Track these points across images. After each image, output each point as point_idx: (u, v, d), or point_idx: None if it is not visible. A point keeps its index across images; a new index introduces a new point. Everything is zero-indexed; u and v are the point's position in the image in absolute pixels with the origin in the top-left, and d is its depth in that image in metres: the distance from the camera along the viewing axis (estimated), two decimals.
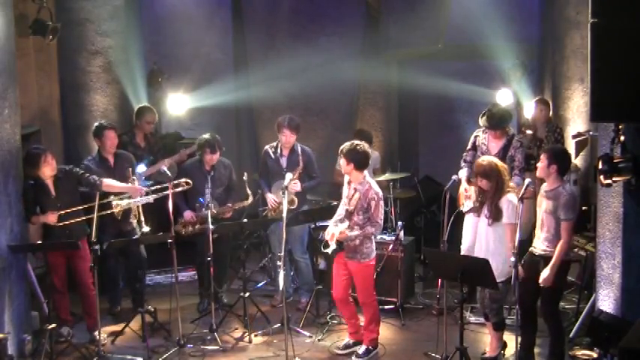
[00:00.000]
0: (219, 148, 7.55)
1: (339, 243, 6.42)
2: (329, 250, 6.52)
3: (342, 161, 6.44)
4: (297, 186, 7.46)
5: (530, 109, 9.22)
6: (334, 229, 6.46)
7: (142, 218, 7.18)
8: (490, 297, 6.19)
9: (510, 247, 5.87)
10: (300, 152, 7.56)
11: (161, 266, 8.38)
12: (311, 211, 7.63)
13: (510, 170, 6.74)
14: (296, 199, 7.52)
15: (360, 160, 6.36)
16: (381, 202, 6.42)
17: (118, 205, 7.06)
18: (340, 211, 6.65)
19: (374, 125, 10.24)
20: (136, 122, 8.40)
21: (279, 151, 7.73)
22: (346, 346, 6.73)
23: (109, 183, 7.03)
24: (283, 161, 7.69)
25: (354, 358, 6.57)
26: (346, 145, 6.40)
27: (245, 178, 7.56)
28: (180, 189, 7.18)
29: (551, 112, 8.60)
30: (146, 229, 7.13)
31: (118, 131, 7.75)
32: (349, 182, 6.54)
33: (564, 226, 5.89)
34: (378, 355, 6.64)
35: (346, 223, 6.44)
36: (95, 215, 6.47)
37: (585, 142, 8.12)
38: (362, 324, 6.76)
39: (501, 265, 6.01)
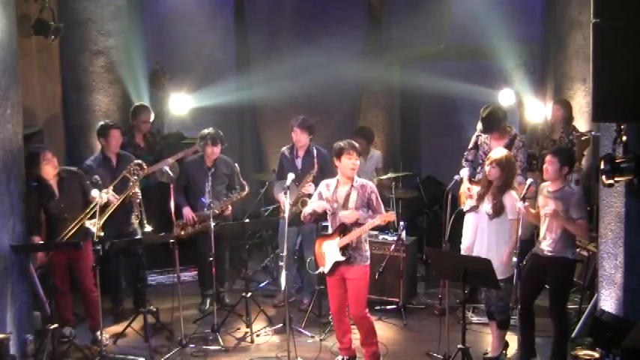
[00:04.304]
0: (221, 142, 7.58)
1: (344, 252, 6.14)
2: (324, 270, 6.31)
3: (352, 160, 6.09)
4: (310, 188, 7.39)
5: (533, 109, 9.25)
6: (338, 242, 6.17)
7: (144, 217, 7.17)
8: (497, 295, 6.19)
9: (512, 243, 5.90)
10: (315, 154, 7.50)
11: (163, 266, 8.39)
12: None
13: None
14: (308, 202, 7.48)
15: (359, 152, 6.24)
16: (378, 194, 6.28)
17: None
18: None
19: (376, 125, 10.25)
20: (133, 122, 8.41)
21: (294, 152, 7.73)
22: None
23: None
24: (298, 162, 7.69)
25: None
26: (356, 147, 6.16)
27: (237, 169, 7.58)
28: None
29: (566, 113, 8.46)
30: (148, 228, 7.13)
31: (123, 130, 7.75)
32: (337, 185, 6.25)
33: (581, 224, 5.95)
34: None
35: (355, 231, 6.12)
36: (97, 216, 6.49)
37: (587, 142, 8.11)
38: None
39: (502, 262, 6.03)
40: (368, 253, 6.27)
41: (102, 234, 6.53)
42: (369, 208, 6.17)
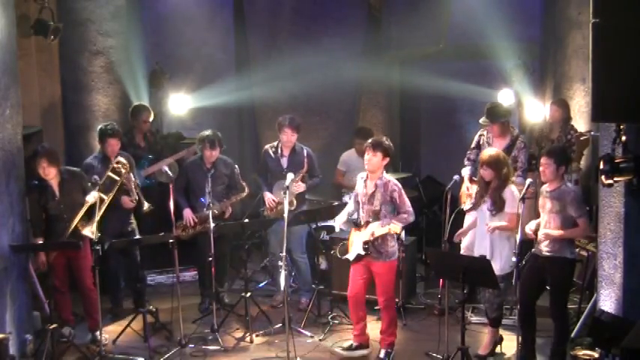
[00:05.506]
0: (220, 144, 7.56)
1: (365, 247, 6.34)
2: (350, 257, 6.48)
3: (370, 156, 6.31)
4: (300, 187, 7.48)
5: (532, 109, 9.25)
6: (364, 234, 6.35)
7: (142, 197, 7.15)
8: (493, 292, 6.21)
9: (512, 235, 5.93)
10: (305, 154, 7.53)
11: (163, 266, 8.38)
12: (312, 211, 7.63)
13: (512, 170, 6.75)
14: (295, 200, 7.50)
15: (388, 150, 6.35)
16: (403, 191, 6.39)
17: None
18: (349, 210, 6.66)
19: (375, 125, 10.23)
20: (133, 122, 8.40)
21: (279, 151, 7.72)
22: (349, 348, 6.67)
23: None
24: (284, 161, 7.68)
25: None
26: (372, 140, 6.38)
27: (237, 170, 7.58)
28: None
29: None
30: (147, 205, 7.12)
31: (121, 132, 7.71)
32: (367, 179, 6.44)
33: (582, 222, 5.95)
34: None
35: (376, 223, 6.30)
36: (97, 216, 6.48)
37: (587, 142, 8.11)
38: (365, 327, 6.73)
39: (504, 258, 6.05)
40: (395, 249, 6.49)
41: (99, 234, 6.52)
42: (394, 206, 6.34)
